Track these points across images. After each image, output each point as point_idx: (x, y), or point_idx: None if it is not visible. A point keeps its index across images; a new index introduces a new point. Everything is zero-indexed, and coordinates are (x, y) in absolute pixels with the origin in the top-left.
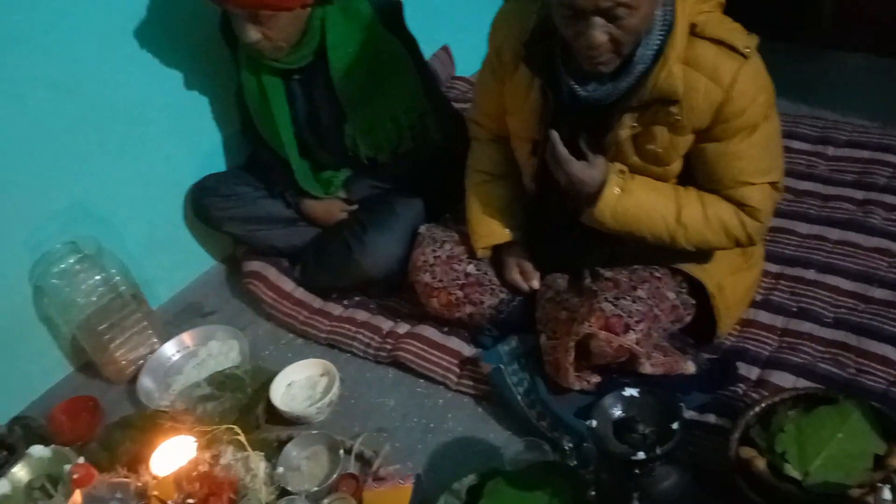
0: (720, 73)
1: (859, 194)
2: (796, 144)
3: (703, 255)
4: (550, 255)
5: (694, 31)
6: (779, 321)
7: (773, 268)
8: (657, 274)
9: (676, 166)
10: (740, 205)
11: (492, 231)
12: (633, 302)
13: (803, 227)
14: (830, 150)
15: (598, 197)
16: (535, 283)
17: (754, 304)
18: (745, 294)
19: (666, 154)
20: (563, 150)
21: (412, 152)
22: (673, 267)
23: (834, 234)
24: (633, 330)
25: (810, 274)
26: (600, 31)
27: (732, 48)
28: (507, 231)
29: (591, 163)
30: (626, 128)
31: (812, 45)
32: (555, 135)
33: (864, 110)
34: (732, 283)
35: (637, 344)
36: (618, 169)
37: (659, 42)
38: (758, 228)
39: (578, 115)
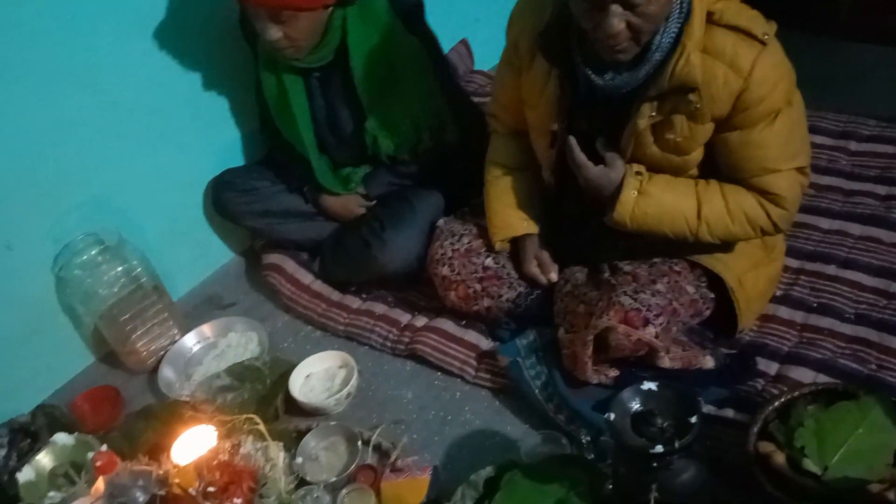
0: (739, 60)
1: (882, 189)
2: (818, 139)
3: (722, 248)
4: (568, 247)
5: (711, 19)
6: (799, 316)
7: (794, 263)
8: (676, 268)
9: (696, 156)
10: (765, 193)
11: (509, 224)
12: (653, 296)
13: (825, 223)
14: (853, 145)
15: (616, 201)
16: (553, 276)
17: (774, 299)
18: (766, 288)
19: (685, 143)
20: (579, 156)
21: (431, 150)
22: (691, 261)
23: (856, 229)
24: (652, 324)
25: (831, 269)
26: (618, 20)
27: (751, 35)
28: (524, 223)
29: (608, 165)
30: (645, 117)
31: (831, 36)
32: (572, 140)
33: (886, 104)
34: (753, 277)
35: (656, 338)
36: (635, 171)
37: (676, 30)
38: (784, 216)
39: (596, 106)
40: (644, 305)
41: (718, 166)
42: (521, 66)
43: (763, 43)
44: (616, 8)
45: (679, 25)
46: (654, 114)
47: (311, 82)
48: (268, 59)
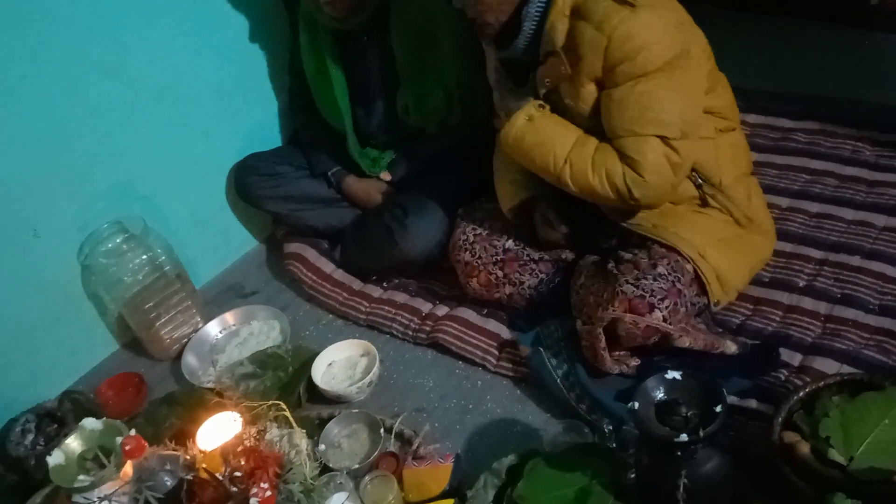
0: (605, 21)
1: None
2: (842, 129)
3: (681, 224)
4: (573, 224)
5: None
6: (822, 307)
7: (817, 254)
8: (673, 248)
9: (589, 123)
10: (625, 155)
11: (515, 191)
12: (655, 280)
13: (849, 213)
14: (877, 135)
15: (509, 120)
16: (563, 228)
17: (798, 290)
18: (739, 260)
19: (577, 106)
20: (501, 88)
21: (459, 125)
22: (656, 239)
23: (880, 220)
24: (658, 308)
25: (855, 260)
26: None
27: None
28: (527, 188)
29: (521, 92)
30: (542, 84)
31: (858, 26)
32: (491, 65)
33: None
34: (720, 250)
35: (665, 321)
36: (538, 103)
37: (544, 1)
38: (638, 182)
39: (518, 77)
40: (647, 291)
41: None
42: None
43: (632, 5)
44: None
45: None
46: (546, 79)
47: (348, 51)
48: (308, 22)
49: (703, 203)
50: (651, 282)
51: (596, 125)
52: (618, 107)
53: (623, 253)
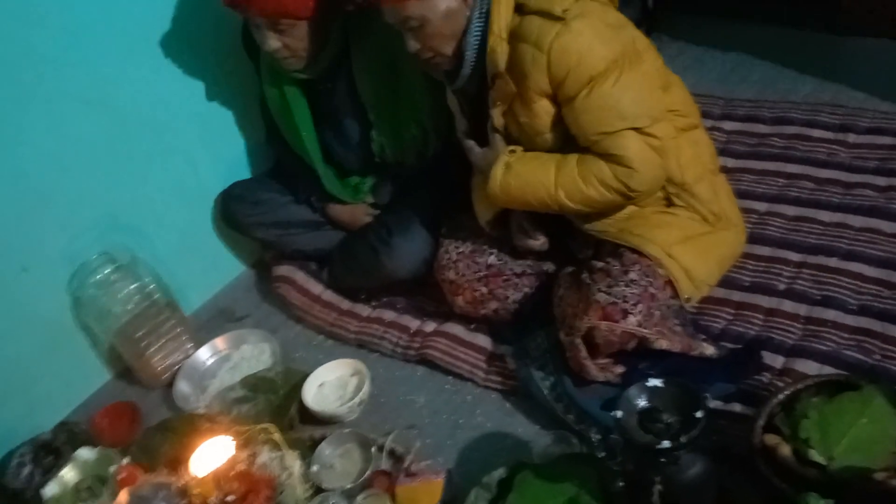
0: (541, 38)
1: (882, 181)
2: (817, 133)
3: (646, 226)
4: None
5: (522, 10)
6: (802, 309)
7: (796, 256)
8: (642, 252)
9: (552, 135)
10: (608, 155)
11: (489, 206)
12: (627, 286)
13: (825, 216)
14: (851, 138)
15: (490, 175)
16: (540, 237)
17: (777, 293)
18: (707, 254)
19: (533, 123)
20: (466, 142)
21: (438, 154)
22: (621, 244)
23: (857, 221)
24: (632, 313)
25: (833, 262)
26: (411, 41)
27: (551, 15)
28: None
29: (490, 146)
30: (496, 107)
31: (829, 31)
32: (459, 133)
33: (885, 96)
34: (687, 247)
35: (639, 326)
36: (509, 149)
37: (480, 28)
38: (632, 175)
39: (476, 105)
40: (620, 298)
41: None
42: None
43: (562, 19)
44: (403, 33)
45: (481, 24)
46: (498, 102)
47: (315, 92)
48: (270, 72)
49: (669, 203)
50: (623, 288)
51: (559, 137)
52: (581, 116)
53: (595, 262)
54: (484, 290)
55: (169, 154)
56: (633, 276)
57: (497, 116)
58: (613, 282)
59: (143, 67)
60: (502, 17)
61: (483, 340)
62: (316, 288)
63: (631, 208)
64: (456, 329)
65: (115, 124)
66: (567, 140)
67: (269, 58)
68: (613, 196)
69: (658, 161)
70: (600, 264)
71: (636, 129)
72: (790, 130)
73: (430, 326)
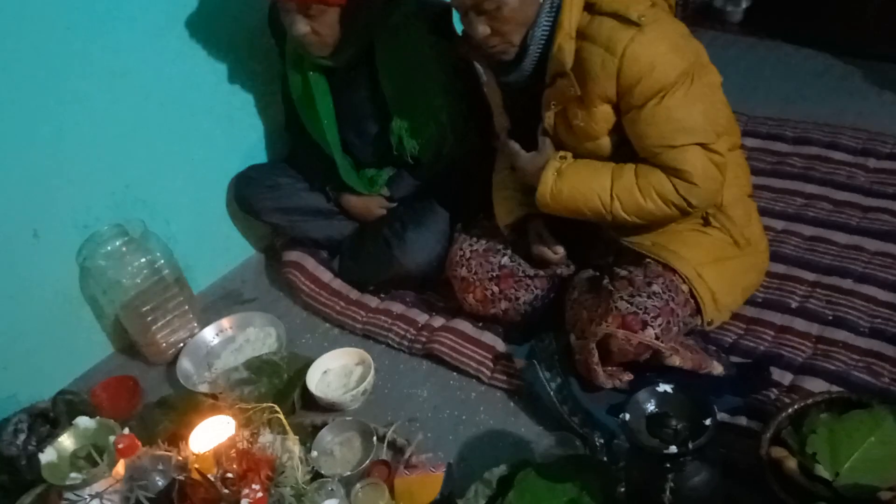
0: (614, 43)
1: None
2: (838, 155)
3: (680, 243)
4: (568, 247)
5: (593, 9)
6: (814, 328)
7: (810, 276)
8: (669, 267)
9: (607, 141)
10: (670, 169)
11: (511, 208)
12: (649, 298)
13: (842, 237)
14: (872, 162)
15: (540, 181)
16: (559, 250)
17: (790, 311)
18: (734, 281)
19: (588, 127)
20: (512, 146)
21: (454, 151)
22: (653, 258)
23: (873, 245)
24: (651, 326)
25: (847, 283)
26: (482, 25)
27: (626, 19)
28: (524, 206)
29: (539, 151)
30: (550, 106)
31: (856, 54)
32: (503, 136)
33: None
34: (716, 269)
35: (657, 339)
36: (560, 155)
37: (549, 22)
38: (693, 191)
39: (525, 99)
40: (640, 308)
41: (637, 152)
42: (478, 75)
43: (638, 24)
44: (472, 15)
45: (551, 18)
46: (553, 101)
47: (337, 82)
48: (295, 57)
49: (706, 222)
50: (645, 299)
51: (612, 143)
52: (648, 126)
53: (618, 269)
54: (495, 289)
55: (189, 133)
56: (655, 288)
57: (549, 117)
58: (636, 291)
59: (170, 45)
60: (574, 13)
61: (490, 339)
62: (325, 275)
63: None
64: (464, 326)
65: (138, 98)
66: (619, 147)
67: (294, 42)
68: (671, 210)
69: (719, 178)
70: (623, 272)
71: (701, 144)
72: (811, 151)
73: (439, 321)
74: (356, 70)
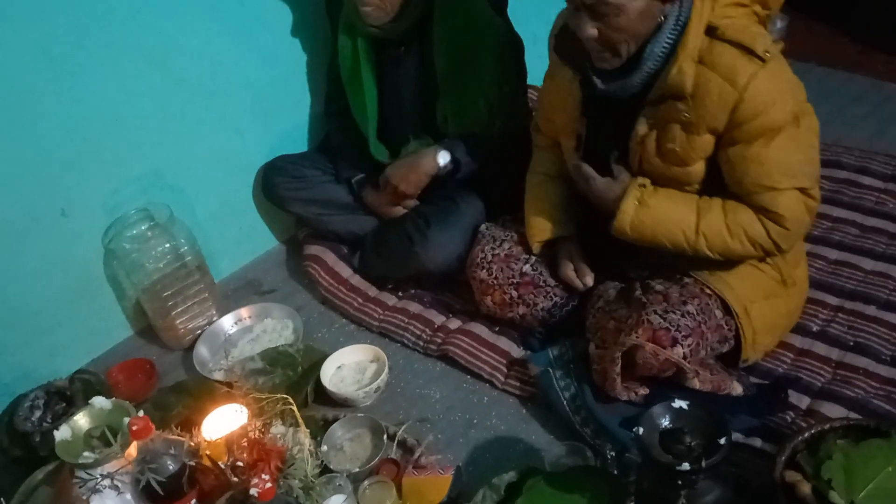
0: (736, 74)
1: None
2: (867, 181)
3: (729, 269)
4: (600, 259)
5: (714, 34)
6: (835, 353)
7: (833, 300)
8: (707, 290)
9: (698, 169)
10: (765, 210)
11: (546, 226)
12: (682, 316)
13: (868, 263)
14: None
15: (619, 209)
16: (589, 280)
17: (811, 335)
18: (777, 322)
19: (684, 153)
20: (587, 170)
21: (495, 136)
22: (704, 286)
23: None
24: (681, 344)
25: (871, 310)
26: (590, 26)
27: (752, 52)
28: (560, 226)
29: (615, 177)
30: (644, 124)
31: (893, 80)
32: (577, 161)
33: None
34: (762, 308)
35: (684, 359)
36: (639, 183)
37: (671, 40)
38: (784, 235)
39: (609, 112)
40: (673, 325)
41: (724, 183)
42: (553, 71)
43: (763, 59)
44: (584, 14)
45: (674, 36)
46: (651, 121)
47: (386, 58)
48: (348, 27)
49: (762, 258)
50: (678, 317)
51: (700, 174)
52: (749, 165)
53: (653, 283)
54: (514, 293)
55: (219, 120)
56: (690, 308)
57: (638, 136)
58: (670, 308)
59: (205, 32)
60: (698, 36)
61: (506, 343)
62: (345, 271)
63: None
64: (480, 329)
65: (171, 84)
66: (707, 177)
67: (351, 9)
68: (756, 252)
69: (808, 224)
70: (659, 286)
71: (801, 189)
72: (840, 175)
73: (455, 324)
74: (406, 47)
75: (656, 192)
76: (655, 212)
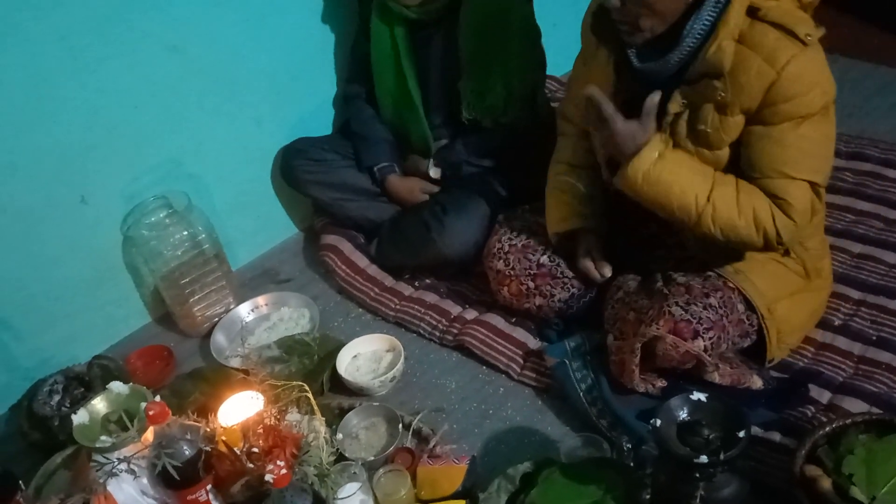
0: (776, 54)
1: None
2: (892, 173)
3: (758, 272)
4: (623, 252)
5: (756, 15)
6: (856, 348)
7: (856, 294)
8: (730, 284)
9: (726, 153)
10: (776, 197)
11: (566, 216)
12: (704, 309)
13: (892, 257)
14: None
15: (635, 156)
16: (607, 272)
17: (832, 329)
18: (802, 320)
19: (716, 136)
20: (608, 107)
21: (513, 123)
22: (727, 280)
23: None
24: (702, 337)
25: (894, 304)
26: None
27: (793, 34)
28: (581, 218)
29: (641, 122)
30: (676, 103)
31: None
32: (597, 91)
33: None
34: (787, 306)
35: (705, 352)
36: (664, 137)
37: (711, 18)
38: (789, 227)
39: (644, 91)
40: (695, 318)
41: (741, 164)
42: (587, 55)
43: (804, 43)
44: None
45: (714, 14)
46: (684, 101)
47: (414, 39)
48: (383, 11)
49: (785, 252)
50: (701, 309)
51: (727, 158)
52: (774, 147)
53: (675, 275)
54: (531, 284)
55: (237, 108)
56: (713, 301)
57: (670, 113)
58: (692, 300)
59: (224, 20)
60: (740, 15)
61: (522, 335)
62: (361, 261)
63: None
64: (496, 320)
65: (190, 72)
66: (733, 163)
67: None
68: (757, 238)
69: (808, 223)
70: (681, 278)
71: (812, 183)
72: (865, 167)
73: (471, 314)
74: (435, 27)
75: (677, 150)
76: (673, 168)
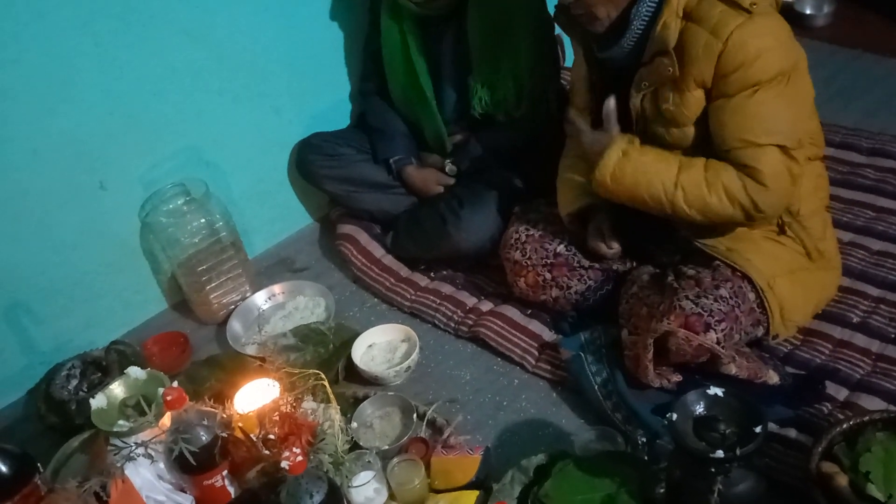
0: (721, 26)
1: None
2: None
3: (754, 250)
4: (633, 241)
5: None
6: (874, 345)
7: (875, 291)
8: (739, 273)
9: (692, 130)
10: (743, 166)
11: (575, 197)
12: (715, 301)
13: None
14: None
15: (602, 159)
16: (616, 246)
17: (850, 326)
18: (806, 296)
19: (678, 112)
20: (578, 122)
21: (526, 118)
22: (726, 262)
23: None
24: (714, 329)
25: None
26: None
27: (737, 5)
28: (591, 196)
29: (604, 130)
30: (642, 87)
31: None
32: (571, 111)
33: None
34: (788, 283)
35: (718, 344)
36: (627, 138)
37: (656, 0)
38: (762, 193)
39: (613, 80)
40: (706, 311)
41: (712, 143)
42: (574, 52)
43: (749, 12)
44: None
45: None
46: (646, 83)
47: (425, 34)
48: (393, 8)
49: (780, 230)
50: (711, 302)
51: (695, 134)
52: (733, 116)
53: (685, 268)
54: (548, 275)
55: (257, 98)
56: (723, 292)
57: (636, 97)
58: (702, 292)
59: (245, 8)
60: None
61: (538, 327)
62: (377, 251)
63: (741, 229)
64: (512, 312)
65: (211, 60)
66: (703, 139)
67: None
68: (735, 211)
69: (790, 187)
70: (691, 272)
71: (781, 147)
72: (886, 164)
73: (487, 306)
74: (447, 23)
75: (642, 146)
76: (637, 163)
